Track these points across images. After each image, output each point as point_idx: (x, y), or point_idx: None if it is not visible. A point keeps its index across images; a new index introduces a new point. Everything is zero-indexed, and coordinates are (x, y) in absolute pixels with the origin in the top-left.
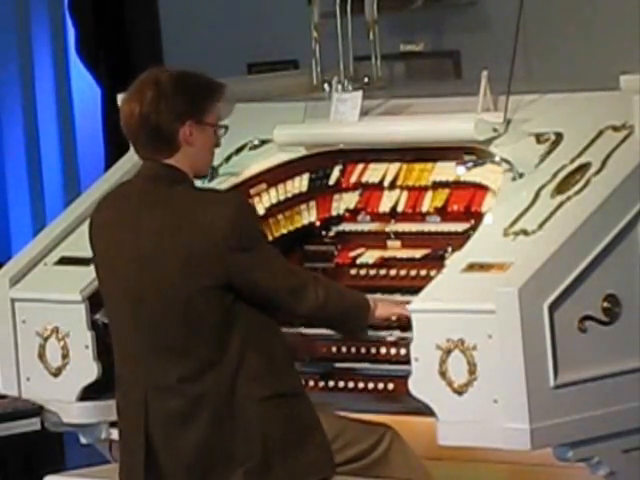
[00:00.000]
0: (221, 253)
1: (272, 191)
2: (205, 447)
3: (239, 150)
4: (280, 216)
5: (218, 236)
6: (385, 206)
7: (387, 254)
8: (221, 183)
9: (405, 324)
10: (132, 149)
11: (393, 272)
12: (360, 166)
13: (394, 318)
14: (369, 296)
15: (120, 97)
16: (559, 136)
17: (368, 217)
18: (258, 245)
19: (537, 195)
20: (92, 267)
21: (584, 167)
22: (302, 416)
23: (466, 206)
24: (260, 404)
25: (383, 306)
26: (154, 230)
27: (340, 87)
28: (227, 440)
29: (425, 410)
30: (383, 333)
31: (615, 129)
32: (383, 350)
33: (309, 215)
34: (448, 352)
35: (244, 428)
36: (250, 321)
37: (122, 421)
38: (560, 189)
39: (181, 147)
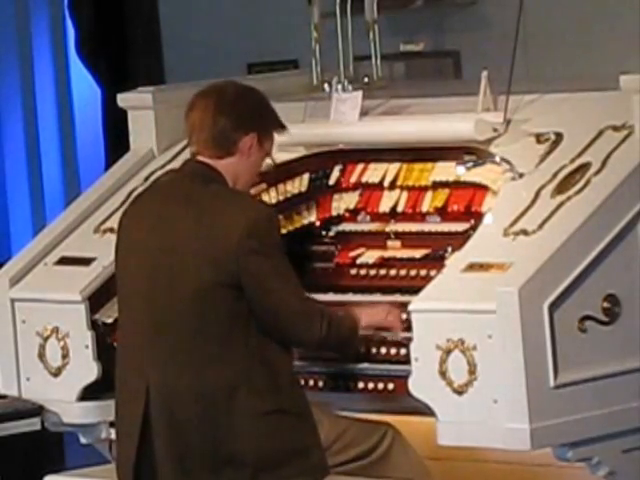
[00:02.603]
0: (239, 251)
1: (272, 191)
2: (197, 445)
3: None
4: (280, 216)
5: (240, 234)
6: (385, 206)
7: (387, 254)
8: None
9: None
10: (131, 145)
11: (393, 272)
12: (360, 166)
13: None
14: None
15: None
16: (559, 136)
17: (368, 217)
18: (276, 255)
19: (537, 195)
20: (92, 267)
21: (584, 167)
22: (301, 435)
23: (466, 206)
24: (260, 419)
25: (365, 316)
26: (179, 222)
27: (340, 87)
28: (222, 445)
29: (425, 410)
30: (384, 333)
31: (615, 129)
32: (383, 350)
33: (309, 215)
34: (448, 352)
35: (240, 439)
36: (261, 333)
37: (120, 394)
38: (560, 189)
39: (235, 154)
